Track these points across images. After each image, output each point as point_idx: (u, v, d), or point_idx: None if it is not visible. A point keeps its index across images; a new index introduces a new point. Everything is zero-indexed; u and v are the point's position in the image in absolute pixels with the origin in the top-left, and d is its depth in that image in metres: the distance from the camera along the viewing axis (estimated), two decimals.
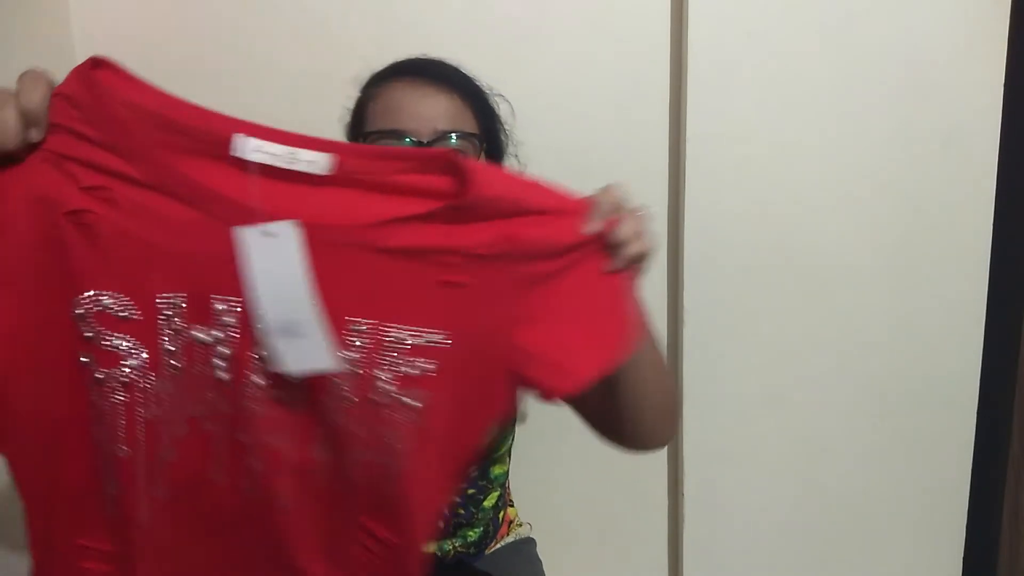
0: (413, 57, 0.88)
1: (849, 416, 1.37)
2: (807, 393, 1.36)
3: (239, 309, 0.57)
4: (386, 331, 0.59)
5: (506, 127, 0.92)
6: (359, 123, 0.85)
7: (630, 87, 1.27)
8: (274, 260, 0.54)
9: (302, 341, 0.56)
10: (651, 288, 1.38)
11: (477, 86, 0.86)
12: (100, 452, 0.59)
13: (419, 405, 0.59)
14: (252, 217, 0.55)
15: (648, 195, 1.34)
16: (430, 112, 0.77)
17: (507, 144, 0.93)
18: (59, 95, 0.54)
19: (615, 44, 1.26)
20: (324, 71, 1.27)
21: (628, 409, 0.71)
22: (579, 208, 0.61)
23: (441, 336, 0.59)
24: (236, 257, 0.55)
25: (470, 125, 0.81)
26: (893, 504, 1.41)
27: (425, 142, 0.75)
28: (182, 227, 0.55)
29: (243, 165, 0.55)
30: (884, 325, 1.34)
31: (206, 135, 0.55)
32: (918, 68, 1.24)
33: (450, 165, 0.58)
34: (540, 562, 1.13)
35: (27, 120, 0.53)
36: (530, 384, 0.61)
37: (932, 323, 1.34)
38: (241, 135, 0.55)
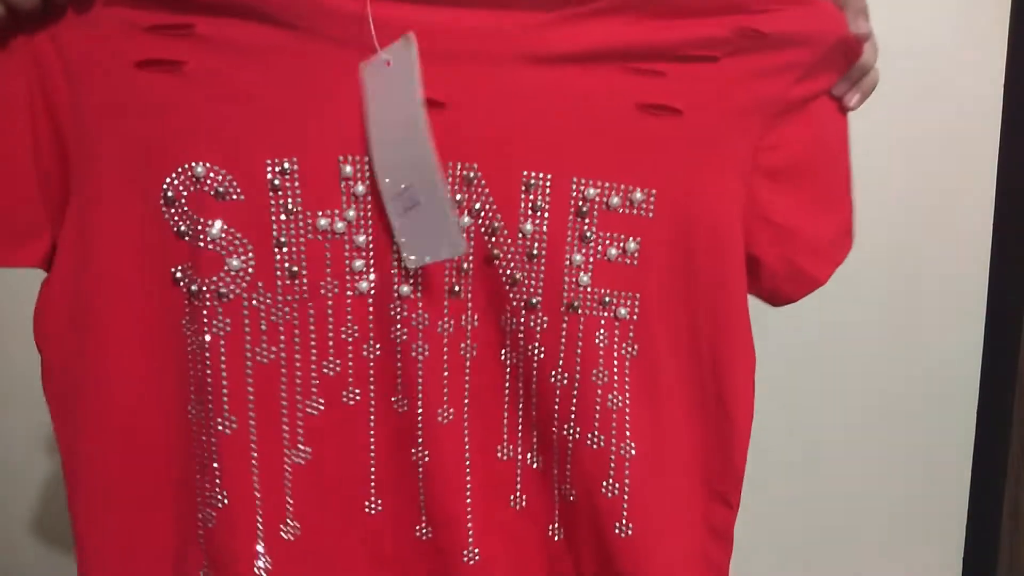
0: None
1: (849, 416, 1.37)
2: (806, 393, 1.36)
3: (372, 172, 0.40)
4: (574, 185, 0.42)
5: None
6: None
7: None
8: (392, 95, 0.38)
9: (422, 214, 0.39)
10: None
11: None
12: (193, 437, 0.42)
13: (629, 314, 0.43)
14: (364, 40, 0.39)
15: None
16: None
17: None
18: None
19: None
20: None
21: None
22: (832, 4, 0.45)
23: (644, 196, 0.42)
24: (363, 96, 0.39)
25: None
26: (893, 504, 1.41)
27: None
28: (288, 62, 0.40)
29: None
30: (884, 325, 1.34)
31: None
32: (918, 68, 1.24)
33: None
34: None
35: None
36: (780, 268, 0.47)
37: (932, 323, 1.33)
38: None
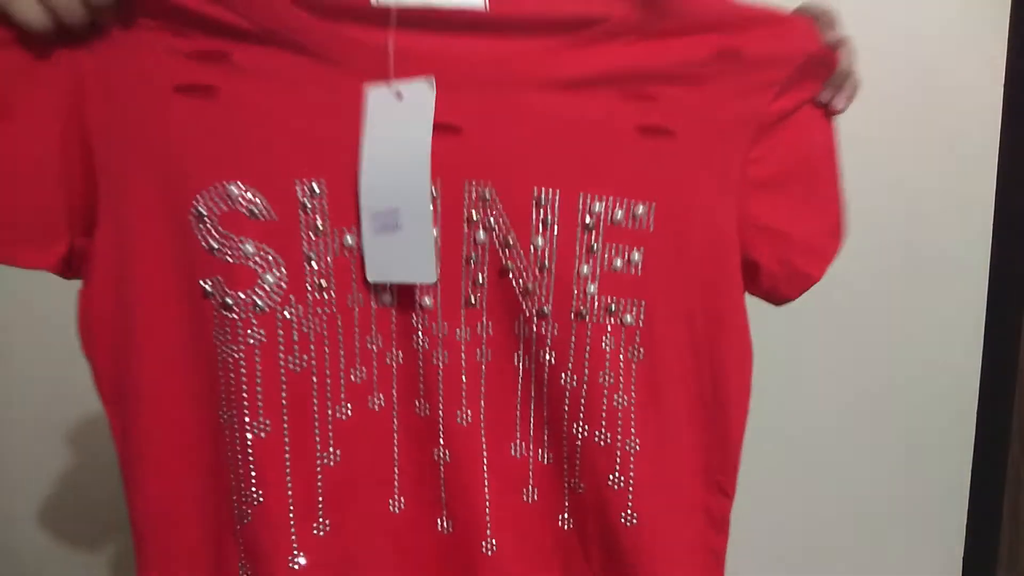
0: None
1: (848, 416, 1.37)
2: (806, 393, 1.36)
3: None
4: (580, 201, 0.45)
5: None
6: None
7: None
8: (398, 125, 0.41)
9: (399, 237, 0.42)
10: None
11: None
12: (225, 442, 0.44)
13: (634, 321, 0.46)
14: (388, 69, 0.42)
15: None
16: None
17: None
18: None
19: None
20: None
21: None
22: (804, 20, 0.49)
23: (645, 210, 0.45)
24: (364, 121, 0.42)
25: None
26: (893, 504, 1.41)
27: None
28: (317, 91, 0.43)
29: (385, 15, 0.42)
30: (884, 325, 1.34)
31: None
32: (918, 68, 1.24)
33: None
34: None
35: None
36: (777, 269, 0.50)
37: (932, 323, 1.34)
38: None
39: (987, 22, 1.24)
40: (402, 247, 0.42)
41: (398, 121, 0.41)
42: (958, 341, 1.35)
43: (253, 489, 0.44)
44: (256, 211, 0.43)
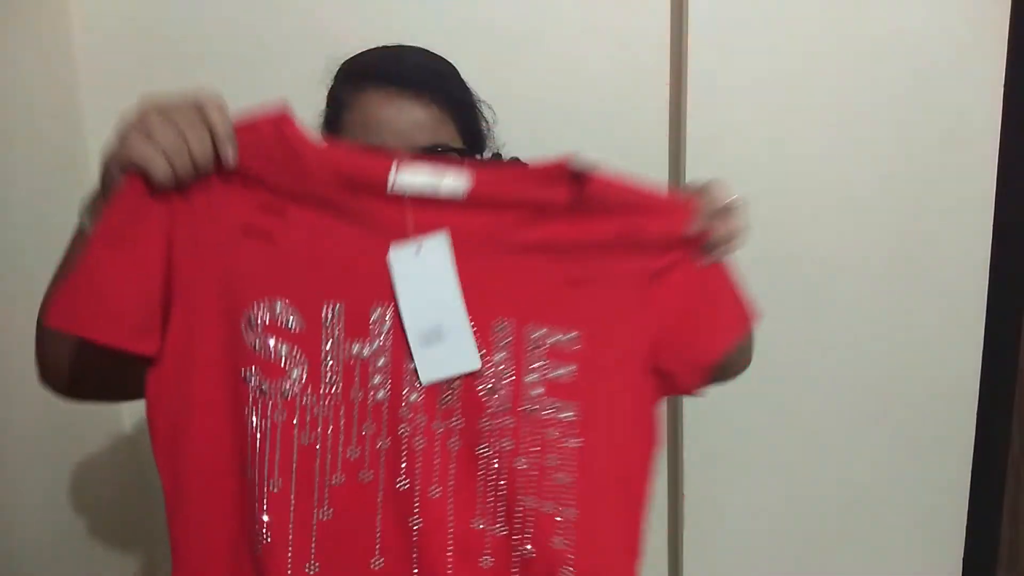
0: (387, 50, 0.85)
1: (849, 416, 1.38)
2: (807, 393, 1.37)
3: (393, 317, 0.61)
4: (527, 329, 0.63)
5: (484, 115, 0.90)
6: (335, 124, 0.84)
7: (630, 88, 1.27)
8: (425, 270, 0.60)
9: (445, 345, 0.60)
10: None
11: (452, 85, 0.85)
12: (251, 493, 0.59)
13: (572, 416, 0.63)
14: (406, 233, 0.61)
15: None
16: (407, 127, 0.77)
17: (488, 136, 0.91)
18: (247, 129, 0.60)
19: (615, 45, 1.26)
20: (321, 68, 1.27)
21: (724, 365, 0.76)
22: (686, 207, 0.67)
23: (573, 337, 0.63)
24: (391, 270, 0.60)
25: (449, 133, 0.81)
26: (893, 504, 1.41)
27: None
28: (346, 242, 0.60)
29: (399, 198, 0.62)
30: (884, 325, 1.34)
31: (367, 178, 0.61)
32: (918, 68, 1.24)
33: (569, 171, 0.63)
34: None
35: (218, 142, 0.58)
36: (668, 380, 0.67)
37: (932, 323, 1.34)
38: (393, 170, 0.61)
39: (987, 22, 1.24)
40: (448, 350, 0.59)
41: (423, 264, 0.60)
42: (958, 341, 1.35)
43: (264, 530, 0.58)
44: (291, 322, 0.59)
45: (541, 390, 0.62)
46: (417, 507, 0.60)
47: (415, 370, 0.60)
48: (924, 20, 1.23)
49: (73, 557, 1.25)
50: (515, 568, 0.62)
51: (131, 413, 1.36)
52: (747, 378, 1.36)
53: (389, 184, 0.61)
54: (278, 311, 0.59)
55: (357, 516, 0.60)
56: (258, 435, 0.58)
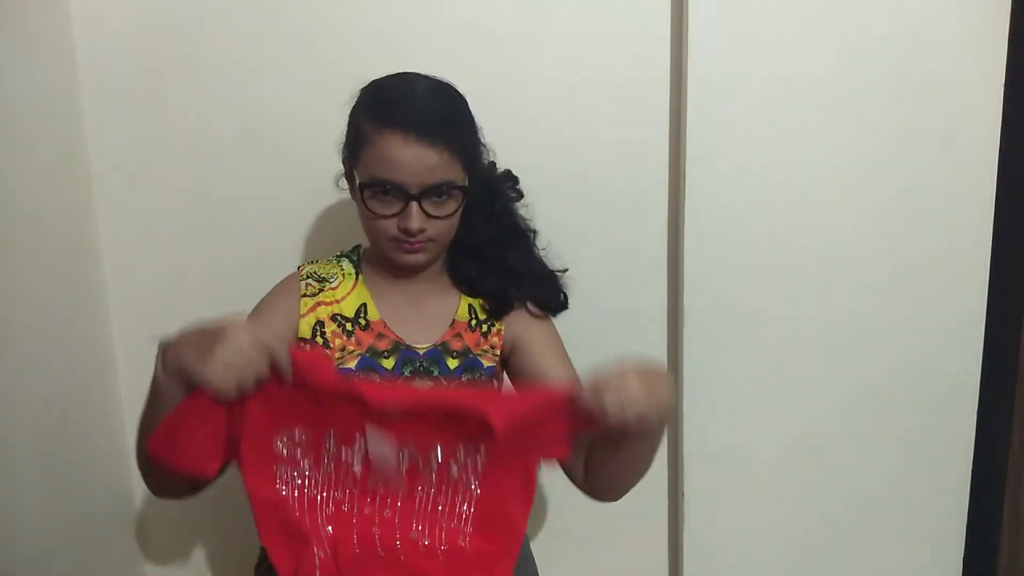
0: (405, 88, 0.99)
1: (849, 416, 1.38)
2: (807, 393, 1.37)
3: (364, 443, 0.93)
4: (452, 448, 0.92)
5: (485, 150, 1.06)
6: (356, 151, 0.99)
7: (630, 88, 1.27)
8: (381, 441, 0.93)
9: (387, 459, 0.94)
10: (652, 288, 1.38)
11: (461, 127, 0.99)
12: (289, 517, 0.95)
13: (475, 489, 0.95)
14: (375, 422, 0.92)
15: (649, 196, 1.34)
16: (421, 168, 0.94)
17: (486, 156, 1.08)
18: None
19: (615, 45, 1.26)
20: (323, 71, 1.27)
21: (612, 480, 1.00)
22: (567, 402, 0.88)
23: (481, 452, 0.93)
24: (365, 432, 0.93)
25: (455, 171, 0.97)
26: (893, 504, 1.41)
27: (414, 193, 0.95)
28: (343, 416, 0.91)
29: (384, 411, 0.91)
30: (884, 325, 1.34)
31: (357, 401, 0.90)
32: (918, 68, 1.24)
33: (482, 419, 0.88)
34: (532, 559, 1.14)
35: (276, 370, 0.85)
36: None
37: (932, 323, 1.34)
38: (365, 433, 0.92)
39: (987, 22, 1.24)
40: (384, 462, 0.94)
41: (380, 439, 0.92)
42: (958, 341, 1.35)
43: (300, 533, 0.94)
44: (304, 439, 0.92)
45: (456, 471, 0.94)
46: (376, 521, 0.95)
47: (376, 462, 0.93)
48: (924, 20, 1.23)
49: (73, 557, 1.25)
50: (442, 547, 0.96)
51: (131, 413, 1.36)
52: (747, 378, 1.38)
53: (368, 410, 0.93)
54: (296, 433, 0.91)
55: (344, 530, 0.95)
56: (285, 487, 0.94)
